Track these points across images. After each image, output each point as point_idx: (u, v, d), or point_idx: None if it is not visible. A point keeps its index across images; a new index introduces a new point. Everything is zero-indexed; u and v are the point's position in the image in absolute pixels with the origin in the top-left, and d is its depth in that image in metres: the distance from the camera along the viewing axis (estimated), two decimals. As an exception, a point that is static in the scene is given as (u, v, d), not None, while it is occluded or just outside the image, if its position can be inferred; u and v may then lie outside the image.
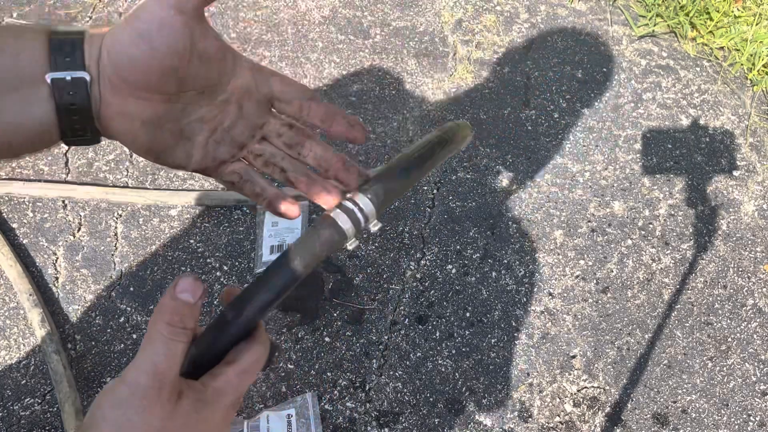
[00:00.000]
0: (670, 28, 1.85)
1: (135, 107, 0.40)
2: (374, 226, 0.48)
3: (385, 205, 0.49)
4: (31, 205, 1.40)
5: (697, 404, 1.25)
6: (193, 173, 1.46)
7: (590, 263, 1.41)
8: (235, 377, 0.41)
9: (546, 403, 1.23)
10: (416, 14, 1.82)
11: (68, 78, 0.38)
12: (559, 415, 1.22)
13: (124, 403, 0.37)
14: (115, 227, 1.38)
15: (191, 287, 0.41)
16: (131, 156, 1.49)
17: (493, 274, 1.37)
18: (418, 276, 1.36)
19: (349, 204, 0.46)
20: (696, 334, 1.33)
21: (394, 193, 0.49)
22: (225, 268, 1.34)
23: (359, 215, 0.46)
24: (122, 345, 1.24)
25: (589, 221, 1.47)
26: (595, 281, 1.38)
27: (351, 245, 0.47)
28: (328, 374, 1.23)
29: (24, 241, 1.35)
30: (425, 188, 1.48)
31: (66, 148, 1.48)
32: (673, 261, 1.42)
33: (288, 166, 0.48)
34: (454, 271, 1.37)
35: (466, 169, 1.52)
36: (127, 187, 1.43)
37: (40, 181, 1.42)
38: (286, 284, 0.44)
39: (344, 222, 0.46)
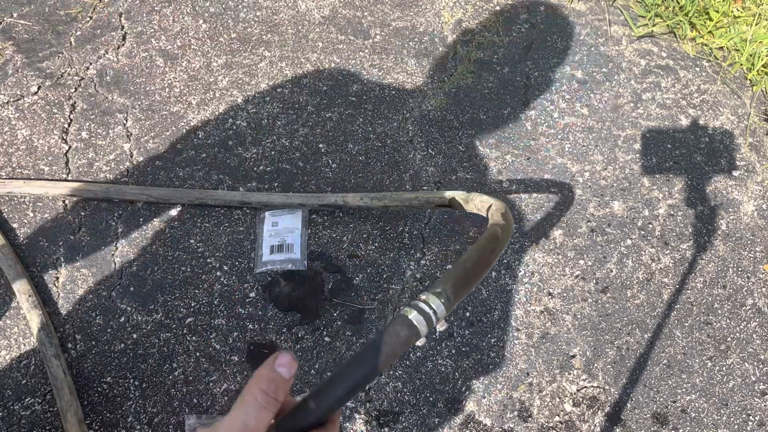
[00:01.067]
0: (670, 28, 1.85)
1: None
2: (441, 326, 0.54)
3: (454, 306, 0.54)
4: (31, 205, 1.40)
5: (696, 404, 1.25)
6: (195, 174, 1.46)
7: (590, 263, 1.41)
8: None
9: (546, 403, 1.24)
10: (416, 14, 1.83)
11: None
12: (558, 415, 1.22)
13: None
14: (116, 227, 1.38)
15: (288, 363, 0.46)
16: (131, 156, 1.49)
17: (493, 274, 1.38)
18: (418, 276, 1.36)
19: (425, 307, 0.52)
20: (695, 334, 1.33)
21: (462, 295, 0.55)
22: (225, 267, 1.34)
23: (433, 318, 0.52)
24: (122, 345, 1.24)
25: (588, 221, 1.47)
26: (594, 281, 1.38)
27: (420, 342, 0.52)
28: (328, 374, 1.23)
29: (24, 241, 1.35)
30: (425, 188, 1.48)
31: (67, 147, 1.49)
32: (672, 261, 1.42)
33: None
34: (453, 271, 1.37)
35: (466, 169, 1.52)
36: (129, 184, 1.43)
37: (40, 179, 1.42)
38: (366, 378, 0.48)
39: (420, 324, 0.51)
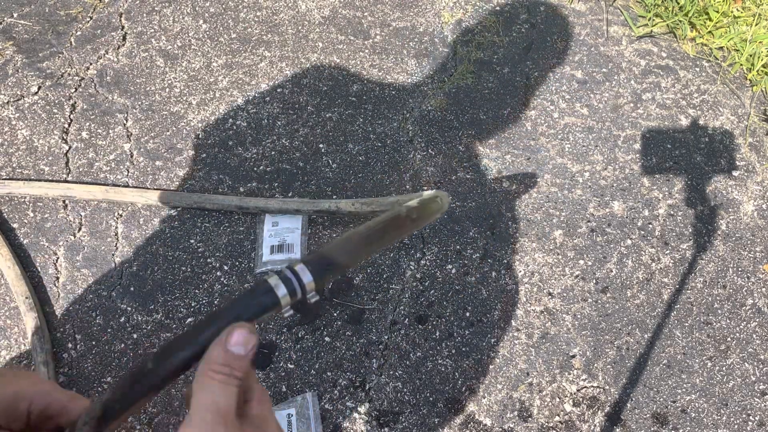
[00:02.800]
0: (670, 28, 1.86)
1: None
2: (312, 298, 0.49)
3: (325, 281, 0.49)
4: (31, 205, 1.40)
5: (696, 404, 1.25)
6: (195, 174, 1.47)
7: (590, 263, 1.41)
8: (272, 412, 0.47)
9: (546, 403, 1.24)
10: (416, 14, 1.83)
11: None
12: (558, 415, 1.22)
13: None
14: (116, 227, 1.38)
15: (243, 341, 0.44)
16: (131, 156, 1.49)
17: (493, 273, 1.38)
18: (418, 276, 1.36)
19: (289, 274, 0.47)
20: (695, 334, 1.33)
21: (336, 270, 0.50)
22: (225, 268, 1.34)
23: (296, 286, 0.47)
24: (122, 345, 1.24)
25: (588, 221, 1.47)
26: (594, 281, 1.39)
27: (286, 313, 0.48)
28: (329, 374, 1.23)
29: (24, 241, 1.35)
30: (424, 188, 1.49)
31: (67, 147, 1.49)
32: (672, 261, 1.42)
33: None
34: (454, 270, 1.37)
35: (466, 169, 1.52)
36: (128, 186, 1.43)
37: (40, 180, 1.42)
38: (210, 341, 0.44)
39: (281, 291, 0.46)
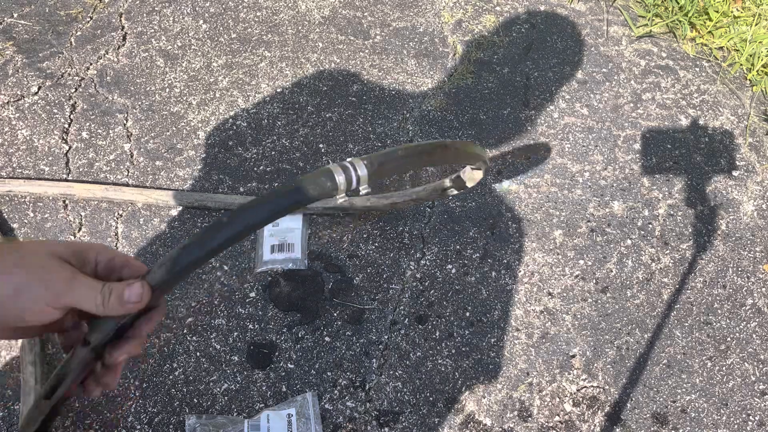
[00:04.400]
0: (669, 28, 1.86)
1: None
2: (364, 190, 0.59)
3: (379, 176, 0.59)
4: (31, 205, 1.40)
5: (696, 404, 1.25)
6: (195, 174, 1.47)
7: (590, 263, 1.41)
8: None
9: (545, 403, 1.24)
10: (416, 15, 1.83)
11: None
12: (558, 415, 1.23)
13: None
14: (116, 227, 1.38)
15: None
16: (131, 156, 1.49)
17: (493, 273, 1.38)
18: (418, 276, 1.36)
19: (347, 164, 0.57)
20: (695, 334, 1.33)
21: (388, 169, 0.60)
22: (225, 267, 1.34)
23: (353, 176, 0.57)
24: (123, 345, 1.24)
25: (588, 221, 1.47)
26: (594, 281, 1.39)
27: (340, 199, 0.58)
28: (329, 374, 1.23)
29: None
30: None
31: (67, 147, 1.49)
32: (672, 261, 1.42)
33: None
34: (453, 270, 1.37)
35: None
36: (128, 185, 1.43)
37: (40, 179, 1.42)
38: (277, 211, 0.53)
39: (339, 175, 0.56)
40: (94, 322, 0.51)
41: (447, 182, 1.21)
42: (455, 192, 1.22)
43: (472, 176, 1.11)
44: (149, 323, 0.54)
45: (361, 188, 0.58)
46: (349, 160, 0.58)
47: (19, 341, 1.24)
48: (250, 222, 0.51)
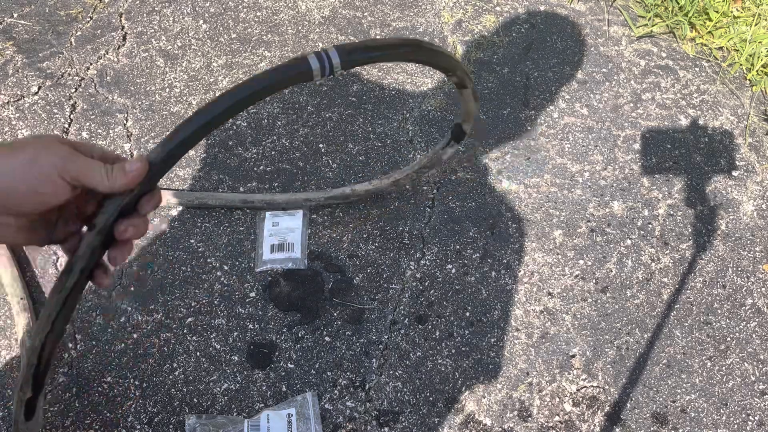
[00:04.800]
0: (669, 28, 1.86)
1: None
2: (337, 70, 0.67)
3: (352, 63, 0.68)
4: (31, 205, 1.40)
5: (696, 404, 1.25)
6: (195, 174, 1.47)
7: (589, 263, 1.41)
8: None
9: (545, 403, 1.24)
10: (416, 15, 1.83)
11: None
12: (558, 415, 1.23)
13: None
14: (116, 227, 1.38)
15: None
16: (132, 156, 1.49)
17: (493, 273, 1.38)
18: (418, 276, 1.36)
19: (323, 53, 0.66)
20: (695, 334, 1.33)
21: (359, 58, 0.68)
22: (225, 267, 1.34)
23: (326, 62, 0.65)
24: (123, 345, 1.24)
25: (588, 221, 1.47)
26: (594, 281, 1.39)
27: (317, 81, 0.67)
28: (328, 374, 1.23)
29: (25, 241, 1.35)
30: (425, 188, 1.49)
31: (66, 148, 1.49)
32: (672, 261, 1.42)
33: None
34: (453, 270, 1.37)
35: (466, 169, 1.53)
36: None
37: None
38: (259, 90, 0.59)
39: (315, 63, 0.64)
40: (101, 208, 0.55)
41: (443, 142, 1.23)
42: (455, 147, 1.23)
43: (466, 110, 1.11)
44: (149, 203, 0.58)
45: (335, 71, 0.67)
46: (324, 48, 0.66)
47: (19, 336, 1.24)
48: (234, 101, 0.58)
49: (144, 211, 0.57)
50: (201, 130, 0.57)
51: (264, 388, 1.21)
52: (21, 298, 1.25)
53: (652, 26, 1.85)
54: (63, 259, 1.34)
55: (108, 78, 1.62)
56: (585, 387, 1.26)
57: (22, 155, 0.49)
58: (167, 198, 1.40)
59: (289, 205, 1.39)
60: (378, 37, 1.76)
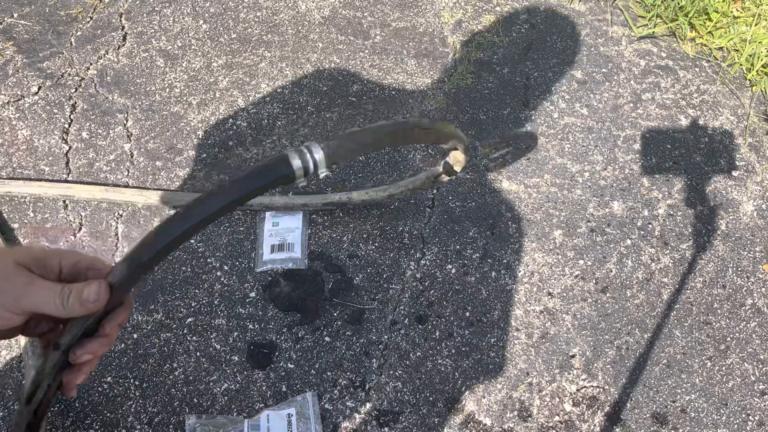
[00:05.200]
0: (670, 28, 1.86)
1: None
2: (322, 173, 0.58)
3: (338, 158, 0.58)
4: (32, 205, 1.40)
5: (696, 404, 1.25)
6: (195, 174, 1.47)
7: (589, 263, 1.41)
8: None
9: (545, 403, 1.24)
10: (416, 15, 1.83)
11: None
12: (558, 415, 1.23)
13: None
14: (116, 227, 1.39)
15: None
16: (132, 156, 1.49)
17: (493, 273, 1.38)
18: (418, 276, 1.36)
19: (304, 149, 0.56)
20: (695, 334, 1.33)
21: (347, 151, 0.59)
22: (225, 267, 1.34)
23: (309, 160, 0.56)
24: (123, 345, 1.25)
25: (588, 221, 1.47)
26: (594, 281, 1.39)
27: (300, 183, 0.57)
28: (329, 374, 1.23)
29: (25, 242, 1.35)
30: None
31: (67, 147, 1.49)
32: (672, 261, 1.42)
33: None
34: (453, 270, 1.38)
35: (466, 169, 1.53)
36: (128, 186, 1.43)
37: (39, 180, 1.42)
38: (235, 199, 0.53)
39: (295, 161, 0.55)
40: (66, 325, 0.52)
41: (439, 168, 1.21)
42: (447, 178, 1.22)
43: (456, 158, 1.08)
44: (114, 322, 0.55)
45: (319, 172, 0.57)
46: (306, 143, 0.57)
47: (22, 342, 1.24)
48: (205, 214, 0.51)
49: (107, 332, 0.54)
50: (171, 244, 0.51)
51: (264, 388, 1.21)
52: None
53: (653, 26, 1.85)
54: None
55: (108, 78, 1.62)
56: (585, 387, 1.26)
57: None
58: (167, 200, 1.40)
59: (286, 208, 1.40)
60: (378, 36, 1.76)
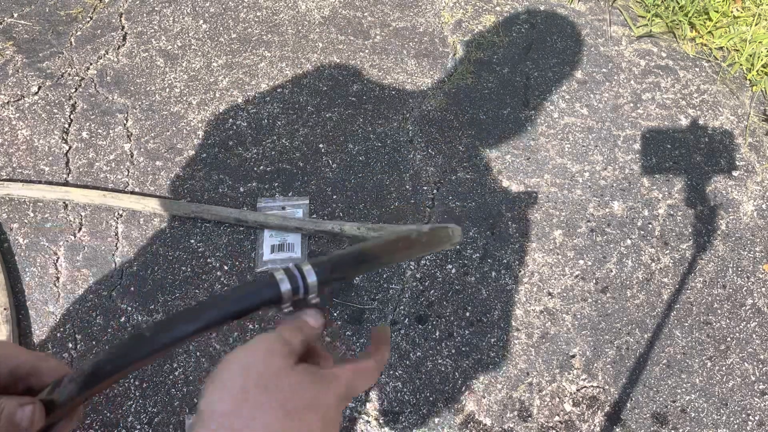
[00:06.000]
0: (669, 28, 1.86)
1: None
2: (312, 299, 0.50)
3: (328, 284, 0.50)
4: (31, 205, 1.40)
5: (696, 404, 1.25)
6: (195, 174, 1.47)
7: (590, 263, 1.41)
8: (350, 371, 0.45)
9: (545, 403, 1.24)
10: (416, 15, 1.83)
11: None
12: (558, 415, 1.23)
13: (251, 347, 0.42)
14: (116, 227, 1.38)
15: (314, 315, 0.48)
16: (131, 156, 1.49)
17: (493, 273, 1.38)
18: (418, 276, 1.36)
19: (295, 271, 0.49)
20: (695, 334, 1.33)
21: (341, 277, 0.51)
22: (225, 267, 1.34)
23: (300, 284, 0.49)
24: (123, 345, 1.24)
25: (588, 221, 1.47)
26: (594, 281, 1.39)
27: (286, 309, 0.49)
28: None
29: (25, 242, 1.35)
30: (425, 188, 1.49)
31: (67, 147, 1.49)
32: (672, 261, 1.42)
33: None
34: (453, 270, 1.37)
35: (466, 169, 1.53)
36: (126, 192, 1.43)
37: (40, 182, 1.42)
38: (209, 324, 0.46)
39: (285, 286, 0.48)
40: None
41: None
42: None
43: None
44: (63, 430, 0.48)
45: (309, 297, 0.49)
46: (295, 264, 0.49)
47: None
48: (175, 337, 0.45)
49: None
50: (128, 366, 0.45)
51: (264, 388, 1.21)
52: (5, 309, 1.23)
53: (652, 26, 1.85)
54: (63, 259, 1.34)
55: (108, 78, 1.62)
56: (585, 387, 1.26)
57: None
58: (164, 208, 1.39)
59: (280, 228, 1.38)
60: (378, 36, 1.76)
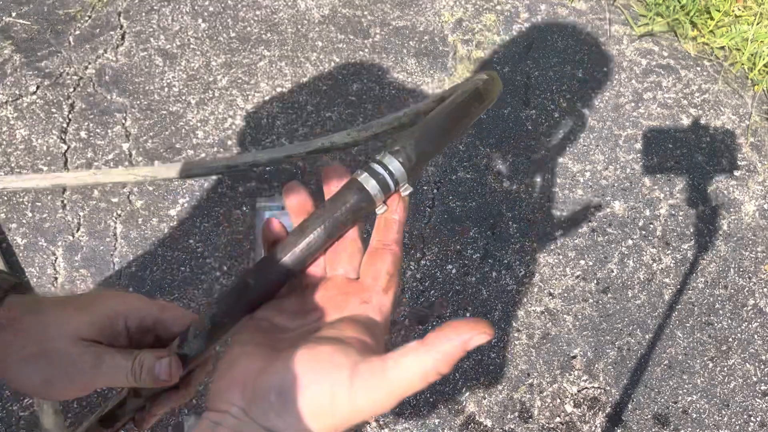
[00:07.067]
0: (671, 27, 1.85)
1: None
2: (405, 191, 0.44)
3: (418, 168, 0.44)
4: (30, 204, 1.39)
5: (697, 404, 1.25)
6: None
7: (591, 263, 1.40)
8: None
9: (546, 404, 1.23)
10: (416, 14, 1.82)
11: None
12: (559, 416, 1.22)
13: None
14: (115, 227, 1.38)
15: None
16: (130, 156, 1.48)
17: (494, 274, 1.37)
18: (418, 276, 1.36)
19: (378, 167, 0.42)
20: (697, 335, 1.33)
21: (428, 155, 0.45)
22: (225, 268, 1.34)
23: (389, 180, 0.42)
24: (121, 345, 1.24)
25: (589, 221, 1.47)
26: (595, 281, 1.38)
27: (380, 210, 0.43)
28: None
29: (23, 242, 1.35)
30: (425, 188, 1.48)
31: (66, 147, 1.48)
32: (673, 261, 1.42)
33: None
34: (454, 271, 1.37)
35: (466, 169, 1.52)
36: (116, 167, 1.43)
37: (31, 173, 1.42)
38: (309, 251, 0.42)
39: (372, 188, 0.42)
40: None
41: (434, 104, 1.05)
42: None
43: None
44: (199, 376, 0.52)
45: (401, 189, 0.43)
46: (378, 157, 0.43)
47: None
48: (272, 280, 0.43)
49: (190, 384, 0.52)
50: (239, 319, 0.43)
51: (263, 389, 1.21)
52: None
53: (654, 25, 1.84)
54: (61, 259, 1.33)
55: (107, 77, 1.61)
56: (586, 388, 1.26)
57: (36, 369, 0.46)
58: (156, 173, 1.40)
59: (272, 163, 1.38)
60: (378, 35, 1.75)
